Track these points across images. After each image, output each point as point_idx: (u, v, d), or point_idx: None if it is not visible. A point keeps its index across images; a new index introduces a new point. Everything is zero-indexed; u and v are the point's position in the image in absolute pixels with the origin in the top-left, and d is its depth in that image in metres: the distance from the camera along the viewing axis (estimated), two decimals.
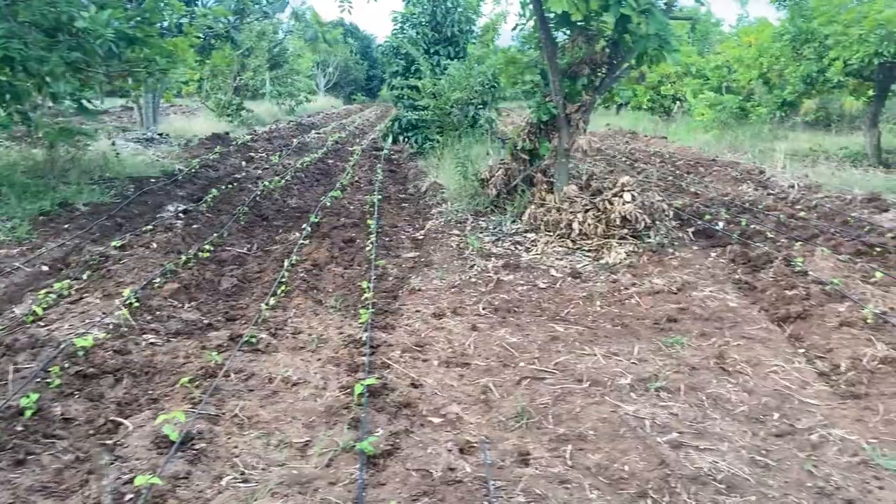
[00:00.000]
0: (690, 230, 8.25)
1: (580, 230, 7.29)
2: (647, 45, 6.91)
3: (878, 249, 8.04)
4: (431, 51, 14.29)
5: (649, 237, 7.25)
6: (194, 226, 7.81)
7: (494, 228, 7.91)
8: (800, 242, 7.47)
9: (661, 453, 3.39)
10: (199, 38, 11.37)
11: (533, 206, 7.71)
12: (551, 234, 7.44)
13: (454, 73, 12.22)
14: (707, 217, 8.76)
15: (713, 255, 7.20)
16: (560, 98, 7.98)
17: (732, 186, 13.31)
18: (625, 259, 6.82)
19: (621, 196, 7.27)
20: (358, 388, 3.84)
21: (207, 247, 6.88)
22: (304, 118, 27.80)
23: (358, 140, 20.20)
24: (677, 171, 14.71)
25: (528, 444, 3.49)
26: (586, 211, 7.45)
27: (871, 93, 15.95)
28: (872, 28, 12.28)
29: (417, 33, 14.48)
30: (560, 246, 7.24)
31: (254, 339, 4.68)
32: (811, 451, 3.53)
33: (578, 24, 7.67)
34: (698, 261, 6.86)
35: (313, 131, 21.49)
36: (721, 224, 8.49)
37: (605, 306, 5.62)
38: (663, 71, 25.98)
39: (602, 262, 6.80)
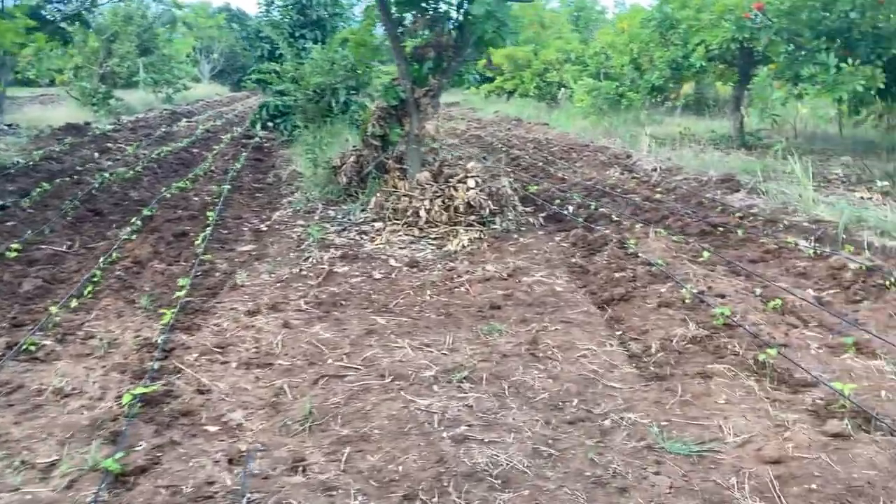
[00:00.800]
0: (542, 215, 8.26)
1: (427, 218, 7.13)
2: (485, 27, 6.79)
3: (720, 229, 8.29)
4: (297, 34, 13.81)
5: (495, 223, 7.17)
6: (9, 223, 7.16)
7: (343, 218, 7.65)
8: (640, 225, 7.57)
9: (442, 450, 3.23)
10: (35, 20, 10.47)
11: (379, 195, 7.50)
12: (399, 222, 7.25)
13: (316, 57, 11.81)
14: (557, 202, 8.78)
15: (557, 238, 7.20)
16: (408, 82, 7.78)
17: (600, 171, 13.55)
18: (468, 246, 6.71)
19: (465, 182, 7.15)
20: (126, 398, 3.51)
21: (16, 246, 6.29)
22: (181, 107, 26.60)
23: (233, 128, 19.42)
24: (549, 157, 14.85)
25: (307, 450, 3.26)
26: (435, 198, 7.30)
27: (736, 77, 16.61)
28: (722, 13, 12.73)
29: (282, 16, 13.96)
30: (406, 234, 7.06)
31: (33, 347, 4.24)
32: (600, 438, 3.46)
33: (422, 4, 7.49)
34: (540, 245, 6.83)
35: (184, 119, 20.54)
36: (571, 208, 8.54)
37: (434, 295, 5.47)
38: (546, 58, 26.37)
39: (445, 249, 6.67)
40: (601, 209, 8.46)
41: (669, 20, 15.89)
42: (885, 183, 10.54)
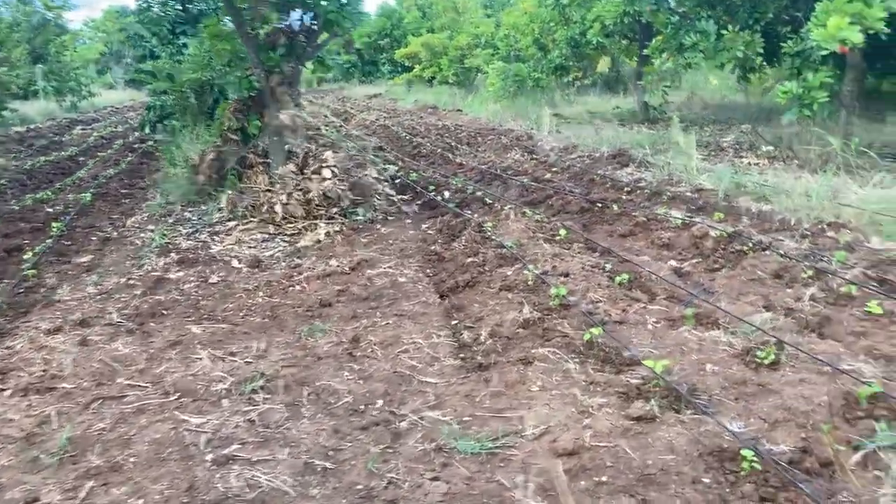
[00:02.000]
0: (419, 202, 7.96)
1: (284, 213, 6.73)
2: (327, 8, 6.42)
3: (599, 205, 8.12)
4: (178, 31, 13.18)
5: (358, 214, 6.82)
6: None
7: (198, 219, 7.21)
8: (512, 206, 7.33)
9: (196, 476, 2.88)
10: None
11: (230, 192, 7.08)
12: (254, 220, 6.84)
13: (193, 53, 11.26)
14: (433, 189, 8.48)
15: (425, 226, 6.91)
16: (260, 71, 7.37)
17: (500, 154, 13.33)
18: (324, 240, 6.35)
19: (320, 174, 6.78)
20: None
21: None
22: (87, 115, 25.49)
23: (133, 133, 18.62)
24: (453, 143, 14.59)
25: (46, 488, 2.87)
26: (295, 192, 6.90)
27: (638, 52, 16.59)
28: None
29: (163, 12, 13.30)
30: (261, 232, 6.66)
31: None
32: (390, 443, 3.16)
33: None
34: (403, 234, 6.52)
35: (79, 127, 19.61)
36: (448, 194, 8.25)
37: (266, 297, 5.10)
38: (458, 44, 26.10)
39: (298, 245, 6.29)
40: (479, 192, 8.19)
41: None
42: (770, 147, 10.56)
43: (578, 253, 5.70)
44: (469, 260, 5.50)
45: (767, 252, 5.74)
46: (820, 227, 7.01)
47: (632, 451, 3.00)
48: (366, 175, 7.11)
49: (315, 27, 7.28)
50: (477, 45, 24.02)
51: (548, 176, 10.43)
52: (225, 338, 4.38)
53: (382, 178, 7.68)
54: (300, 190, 6.84)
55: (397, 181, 9.18)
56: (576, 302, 4.59)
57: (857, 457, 3.04)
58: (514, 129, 16.00)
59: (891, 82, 12.80)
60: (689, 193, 8.77)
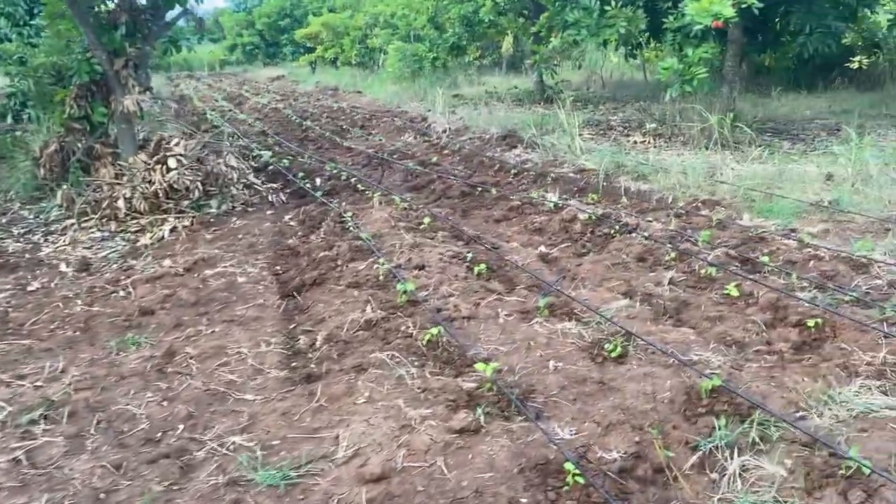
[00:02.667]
0: (288, 191, 7.48)
1: (127, 208, 6.14)
2: None
3: (479, 189, 7.85)
4: (36, 11, 12.11)
5: (211, 206, 6.30)
6: None
7: (35, 218, 6.51)
8: (380, 192, 6.94)
9: None
10: None
11: (65, 187, 6.42)
12: (96, 216, 6.22)
13: (47, 35, 10.32)
14: (302, 175, 8.00)
15: (287, 217, 6.45)
16: (101, 52, 6.69)
17: (393, 137, 12.92)
18: (167, 236, 5.80)
19: (165, 164, 6.21)
20: None
21: None
22: None
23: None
24: (345, 126, 14.09)
25: None
26: (141, 184, 6.31)
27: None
28: None
29: None
30: (101, 230, 6.06)
31: None
32: (177, 479, 2.75)
33: None
34: (259, 227, 6.04)
35: None
36: (319, 181, 7.79)
37: (85, 306, 4.55)
38: (357, 24, 25.44)
39: (138, 244, 5.73)
40: (353, 179, 7.77)
41: None
42: (654, 125, 10.54)
43: (442, 242, 5.37)
44: (322, 254, 5.09)
45: (633, 235, 5.56)
46: (695, 205, 6.94)
47: (448, 470, 2.68)
48: (220, 163, 6.56)
49: (156, 4, 6.66)
50: (376, 25, 23.38)
51: (436, 159, 10.12)
52: (20, 357, 3.83)
53: (244, 166, 7.14)
54: (147, 182, 6.26)
55: (270, 168, 8.65)
56: (426, 297, 4.26)
57: (693, 459, 2.83)
58: (410, 110, 15.61)
59: (773, 57, 13.01)
60: (571, 174, 8.62)
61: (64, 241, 5.82)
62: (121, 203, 6.13)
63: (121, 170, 6.64)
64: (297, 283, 4.71)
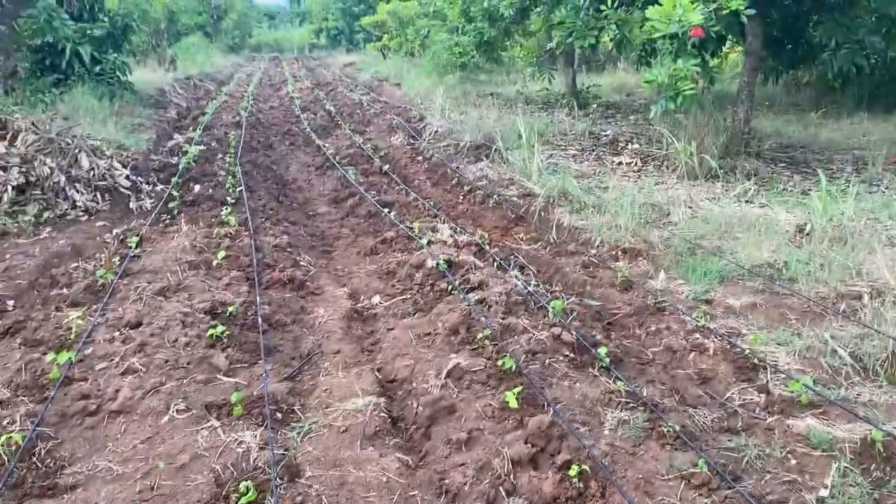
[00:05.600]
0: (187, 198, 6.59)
1: None
2: None
3: (386, 211, 6.72)
4: None
5: (26, 213, 5.46)
6: None
7: None
8: (233, 210, 5.91)
9: None
10: None
11: None
12: None
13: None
14: (207, 179, 7.07)
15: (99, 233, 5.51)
16: None
17: (384, 136, 11.97)
18: None
19: None
20: None
21: None
22: None
23: None
24: (340, 123, 13.23)
25: None
26: None
27: None
28: None
29: None
30: None
31: None
32: None
33: None
34: (51, 246, 5.12)
35: None
36: (198, 188, 6.85)
37: None
38: (406, 12, 24.50)
39: None
40: (241, 189, 6.78)
41: None
42: (637, 146, 9.05)
43: (226, 285, 4.28)
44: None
45: (470, 295, 4.30)
46: (614, 252, 5.60)
47: None
48: (46, 166, 5.68)
49: None
50: (426, 15, 22.32)
51: (401, 165, 9.16)
52: None
53: (104, 164, 6.27)
54: None
55: (184, 169, 7.80)
56: (70, 374, 3.21)
57: None
58: (423, 108, 14.53)
59: (809, 73, 11.12)
60: (516, 198, 7.39)
61: None
62: None
63: None
64: None
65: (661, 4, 6.29)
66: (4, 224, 5.33)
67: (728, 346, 3.90)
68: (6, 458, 2.66)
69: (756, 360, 3.72)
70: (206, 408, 3.11)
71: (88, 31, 12.13)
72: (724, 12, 6.40)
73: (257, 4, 74.43)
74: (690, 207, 6.44)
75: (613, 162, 8.79)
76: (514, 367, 3.43)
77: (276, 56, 47.40)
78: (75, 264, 4.72)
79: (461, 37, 18.15)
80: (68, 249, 4.98)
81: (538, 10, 9.70)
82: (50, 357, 3.17)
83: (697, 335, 4.04)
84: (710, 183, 7.33)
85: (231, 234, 5.12)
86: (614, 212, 6.15)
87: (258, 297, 4.09)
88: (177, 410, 3.06)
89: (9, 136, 5.88)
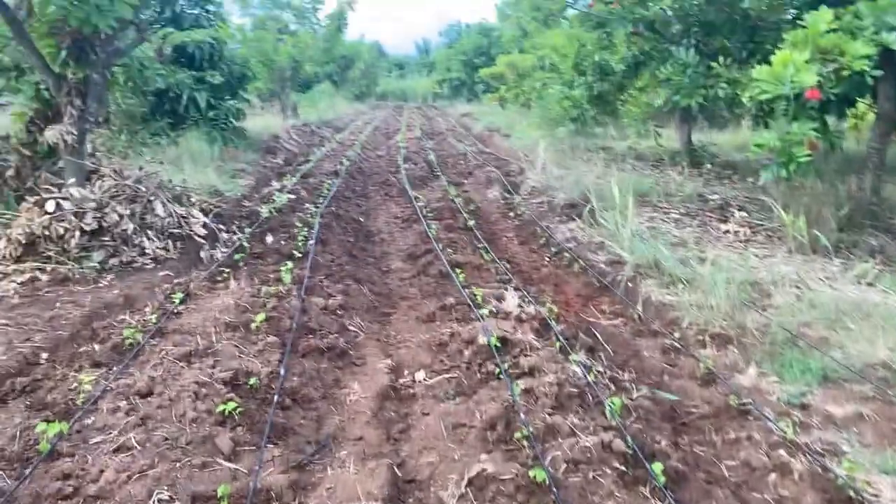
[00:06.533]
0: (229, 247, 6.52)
1: (8, 250, 5.49)
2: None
3: (458, 271, 6.32)
4: None
5: (91, 259, 5.48)
6: None
7: None
8: (293, 266, 5.71)
9: None
10: None
11: None
12: None
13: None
14: (264, 230, 6.99)
15: (158, 282, 5.43)
16: (48, 78, 6.22)
17: (480, 190, 11.73)
18: (19, 289, 5.03)
19: (42, 206, 5.48)
20: None
21: None
22: None
23: None
24: (438, 174, 13.06)
25: None
26: (27, 225, 5.65)
27: None
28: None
29: None
30: None
31: None
32: None
33: None
34: (104, 295, 5.08)
35: None
36: (271, 239, 6.74)
37: None
38: (523, 64, 24.42)
39: None
40: (312, 241, 6.61)
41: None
42: (743, 213, 8.24)
43: (258, 351, 4.02)
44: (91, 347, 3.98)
45: (519, 381, 3.79)
46: (702, 338, 4.94)
47: None
48: (116, 213, 5.70)
49: (109, 30, 6.03)
50: (542, 68, 22.11)
51: (493, 219, 8.88)
52: None
53: (181, 212, 6.28)
54: (27, 225, 5.58)
55: (265, 217, 7.77)
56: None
57: None
58: (528, 160, 14.21)
59: None
60: (603, 265, 6.84)
61: None
62: (2, 244, 5.49)
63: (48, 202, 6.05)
64: None
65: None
66: (70, 269, 5.36)
67: (819, 470, 3.20)
68: None
69: (852, 492, 3.01)
70: (191, 499, 2.78)
71: (208, 79, 12.71)
72: (846, 73, 5.70)
73: (388, 55, 77.49)
74: (798, 287, 5.65)
75: (719, 229, 8.04)
76: (546, 481, 2.91)
77: (399, 105, 48.84)
78: (123, 317, 4.61)
79: (573, 90, 17.76)
80: (120, 300, 4.90)
81: (648, 66, 9.12)
82: (40, 428, 2.96)
83: (782, 451, 3.37)
84: (826, 260, 6.48)
85: (281, 293, 4.88)
86: (707, 288, 5.48)
87: (283, 369, 3.78)
88: (159, 501, 2.75)
89: (94, 181, 5.99)
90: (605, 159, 13.76)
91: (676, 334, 5.02)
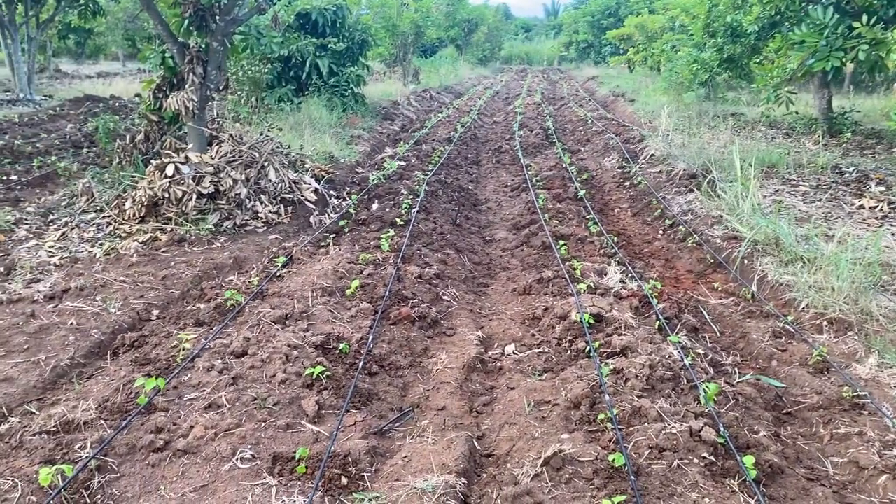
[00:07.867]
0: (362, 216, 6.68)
1: (131, 210, 5.88)
2: None
3: (561, 243, 6.18)
4: None
5: (207, 222, 5.77)
6: None
7: (67, 207, 6.59)
8: (392, 234, 5.76)
9: None
10: None
11: (86, 180, 6.36)
12: (110, 214, 6.07)
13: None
14: (371, 197, 7.07)
15: (270, 243, 5.64)
16: (172, 46, 6.56)
17: (597, 158, 11.41)
18: (139, 248, 5.37)
19: (163, 171, 5.79)
20: None
21: None
22: None
23: None
24: (555, 141, 12.75)
25: None
26: (148, 188, 6.01)
27: None
28: None
29: None
30: (102, 230, 5.85)
31: None
32: None
33: None
34: (218, 255, 5.33)
35: None
36: (375, 205, 6.82)
37: None
38: (652, 26, 23.34)
39: (106, 247, 5.38)
40: (416, 210, 6.66)
41: None
42: (881, 188, 7.52)
43: (352, 317, 4.10)
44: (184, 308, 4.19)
45: (612, 359, 3.66)
46: (818, 322, 4.59)
47: None
48: (230, 177, 5.94)
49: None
50: (671, 28, 21.09)
51: (607, 189, 8.66)
52: None
53: (293, 177, 6.48)
54: (148, 187, 5.93)
55: (374, 183, 7.89)
56: None
57: None
58: (651, 126, 13.64)
59: None
60: (719, 240, 6.48)
61: (51, 238, 5.68)
62: (128, 205, 5.88)
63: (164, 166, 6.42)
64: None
65: None
66: (188, 231, 5.65)
67: None
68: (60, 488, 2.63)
69: None
70: (272, 459, 2.89)
71: (330, 46, 12.99)
72: None
73: (514, 17, 76.35)
74: None
75: (853, 205, 7.41)
76: (625, 466, 2.80)
77: (523, 68, 48.12)
78: (231, 278, 4.83)
79: (703, 53, 16.81)
80: (230, 262, 5.13)
81: (782, 28, 8.44)
82: (139, 382, 3.15)
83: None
84: None
85: (378, 260, 4.94)
86: (830, 269, 5.06)
87: (371, 335, 3.83)
88: (241, 458, 2.87)
89: (214, 146, 6.29)
90: (733, 126, 12.98)
91: (790, 317, 4.68)
